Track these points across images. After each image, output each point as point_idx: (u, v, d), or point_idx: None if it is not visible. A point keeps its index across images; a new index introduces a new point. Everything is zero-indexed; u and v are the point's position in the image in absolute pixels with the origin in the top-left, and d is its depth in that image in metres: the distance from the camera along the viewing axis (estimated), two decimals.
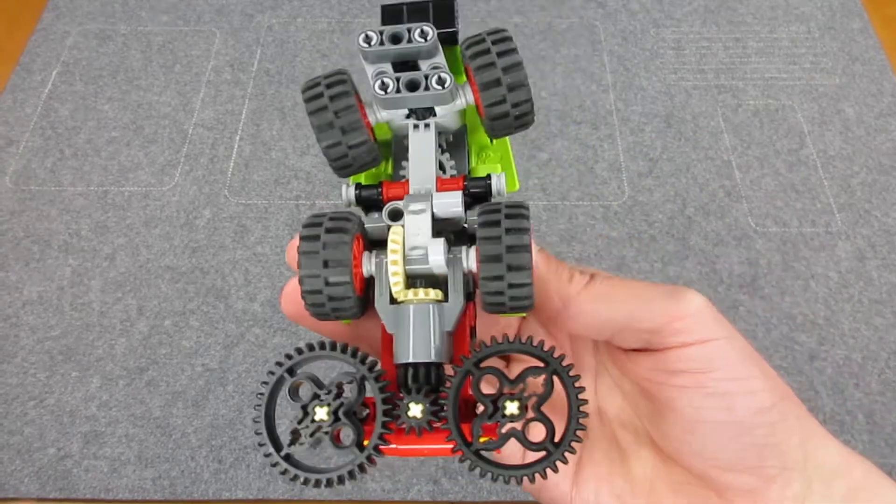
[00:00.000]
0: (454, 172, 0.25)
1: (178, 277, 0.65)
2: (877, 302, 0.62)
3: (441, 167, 0.25)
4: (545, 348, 0.20)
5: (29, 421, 0.57)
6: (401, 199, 0.23)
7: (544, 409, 0.20)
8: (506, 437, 0.20)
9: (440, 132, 0.25)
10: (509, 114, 0.23)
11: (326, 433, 0.20)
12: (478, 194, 0.23)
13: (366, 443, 0.20)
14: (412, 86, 0.23)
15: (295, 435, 0.20)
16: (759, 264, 0.64)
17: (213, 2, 0.86)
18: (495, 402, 0.20)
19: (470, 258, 0.22)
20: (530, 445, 0.20)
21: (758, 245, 0.66)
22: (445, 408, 0.20)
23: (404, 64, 0.24)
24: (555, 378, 0.20)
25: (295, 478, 0.20)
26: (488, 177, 0.24)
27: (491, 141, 0.27)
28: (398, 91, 0.23)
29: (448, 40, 0.25)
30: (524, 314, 0.23)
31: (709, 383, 0.23)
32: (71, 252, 0.66)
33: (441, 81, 0.23)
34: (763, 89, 0.77)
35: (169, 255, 0.66)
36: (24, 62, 0.80)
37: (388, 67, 0.24)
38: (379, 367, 0.21)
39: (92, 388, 0.59)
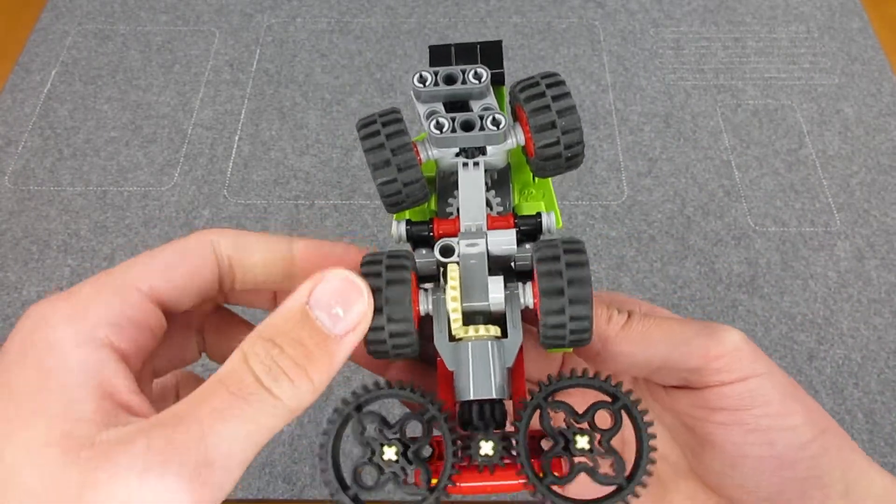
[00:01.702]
0: (500, 210, 0.26)
1: None
2: (876, 301, 0.62)
3: (488, 204, 0.26)
4: (613, 382, 0.20)
5: None
6: (451, 235, 0.24)
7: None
8: (577, 471, 0.20)
9: (486, 170, 0.26)
10: (562, 155, 0.24)
11: (395, 474, 0.20)
12: (528, 231, 0.24)
13: (434, 481, 0.20)
14: (467, 126, 0.24)
15: (357, 474, 0.20)
16: (758, 264, 0.65)
17: (212, 2, 0.86)
18: (564, 436, 0.20)
19: (527, 294, 0.22)
20: (602, 480, 0.20)
21: (757, 245, 0.66)
22: (515, 442, 0.20)
23: (454, 103, 0.25)
24: (622, 413, 0.20)
25: None
26: (538, 215, 0.24)
27: (533, 179, 0.27)
28: (454, 131, 0.24)
29: (495, 80, 0.26)
30: (570, 349, 0.24)
31: (749, 420, 0.23)
32: (70, 252, 0.66)
33: (496, 122, 0.24)
34: (762, 89, 0.77)
35: None
36: (22, 62, 0.80)
37: (439, 107, 0.25)
38: (446, 411, 0.21)
39: None
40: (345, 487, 0.20)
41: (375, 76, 0.79)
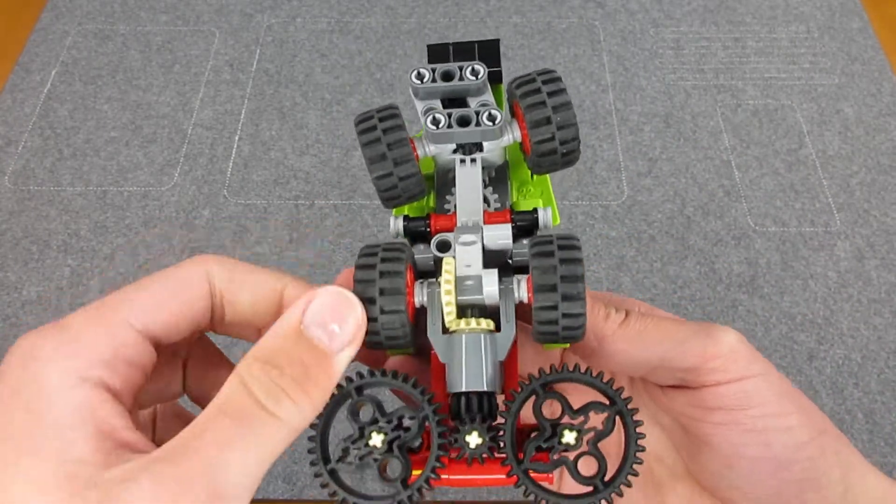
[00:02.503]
0: (498, 206, 0.26)
1: None
2: (876, 301, 0.62)
3: (485, 200, 0.26)
4: (615, 386, 0.20)
5: None
6: (448, 230, 0.24)
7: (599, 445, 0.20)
8: (556, 464, 0.20)
9: (484, 167, 0.26)
10: (557, 151, 0.24)
11: (376, 461, 0.20)
12: (524, 227, 0.24)
13: (416, 473, 0.20)
14: (463, 121, 0.24)
15: (345, 452, 0.20)
16: (758, 264, 0.64)
17: (212, 2, 0.86)
18: (554, 428, 0.20)
19: (521, 288, 0.22)
20: (580, 478, 0.20)
21: (757, 245, 0.66)
22: (502, 433, 0.20)
23: (452, 101, 0.25)
24: (616, 418, 0.20)
25: (334, 494, 0.20)
26: (534, 210, 0.24)
27: (532, 177, 0.27)
28: (450, 126, 0.24)
29: (493, 78, 0.26)
30: (567, 345, 0.24)
31: (745, 420, 0.23)
32: (70, 252, 0.66)
33: (492, 118, 0.24)
34: (762, 89, 0.77)
35: (168, 255, 0.66)
36: (22, 62, 0.80)
37: (437, 104, 0.25)
38: (436, 401, 0.21)
39: None
40: (326, 460, 0.20)
41: (375, 76, 0.79)
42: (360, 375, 0.21)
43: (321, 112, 0.76)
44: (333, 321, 0.19)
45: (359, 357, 0.25)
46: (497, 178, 0.27)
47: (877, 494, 0.23)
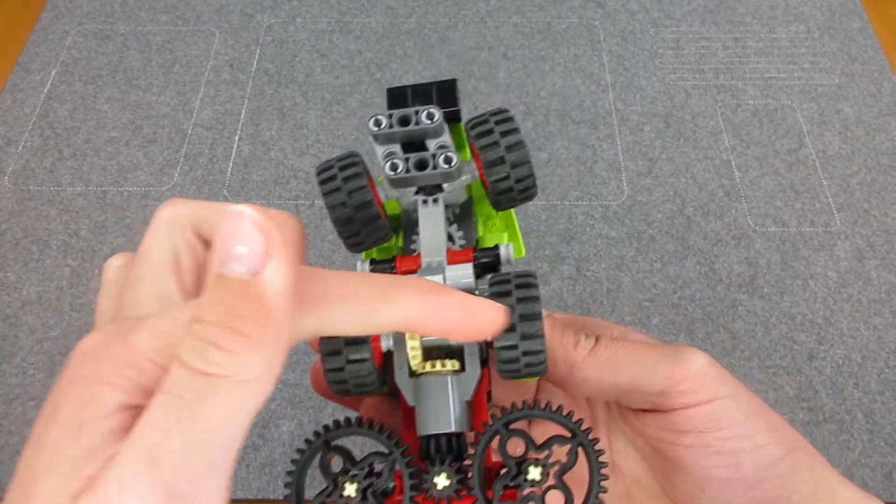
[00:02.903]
0: (463, 243, 0.26)
1: None
2: (876, 301, 0.62)
3: (450, 238, 0.26)
4: (574, 419, 0.21)
5: (29, 421, 0.57)
6: (413, 272, 0.24)
7: (565, 477, 0.21)
8: (525, 500, 0.20)
9: (447, 205, 0.26)
10: (513, 188, 0.24)
11: None
12: (487, 264, 0.25)
13: None
14: (421, 165, 0.25)
15: None
16: (758, 264, 0.65)
17: (212, 2, 0.86)
18: (519, 465, 0.21)
19: None
20: None
21: (757, 245, 0.66)
22: (470, 475, 0.21)
23: (412, 143, 0.26)
24: (579, 450, 0.21)
25: None
26: (496, 247, 0.25)
27: (496, 211, 0.28)
28: (408, 171, 0.24)
29: (452, 118, 0.27)
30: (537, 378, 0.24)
31: (714, 442, 0.23)
32: (70, 252, 0.66)
33: (448, 160, 0.24)
34: (762, 89, 0.77)
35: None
36: (22, 62, 0.80)
37: (397, 148, 0.25)
38: (405, 444, 0.21)
39: None
40: None
41: (375, 76, 0.79)
42: (327, 428, 0.21)
43: (321, 112, 0.76)
44: (243, 244, 0.15)
45: (336, 399, 0.25)
46: (462, 213, 0.27)
47: None
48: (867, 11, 0.84)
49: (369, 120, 0.25)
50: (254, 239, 0.15)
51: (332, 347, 0.22)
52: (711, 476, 0.23)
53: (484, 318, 0.19)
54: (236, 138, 0.74)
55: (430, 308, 0.18)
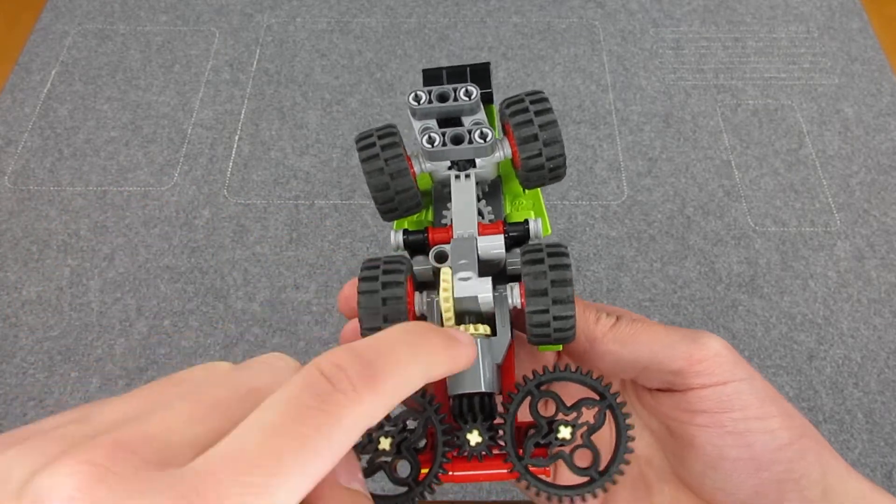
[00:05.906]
0: (492, 218, 0.28)
1: (177, 277, 0.65)
2: (875, 301, 0.62)
3: (480, 213, 0.27)
4: (603, 383, 0.22)
5: (28, 421, 0.57)
6: (445, 242, 0.25)
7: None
8: (554, 458, 0.21)
9: (478, 182, 0.27)
10: (544, 166, 0.25)
11: (386, 463, 0.21)
12: (517, 237, 0.26)
13: (424, 471, 0.21)
14: (457, 140, 0.26)
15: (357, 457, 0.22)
16: (758, 264, 0.64)
17: (212, 1, 0.86)
18: (550, 424, 0.22)
19: (514, 295, 0.24)
20: (577, 469, 0.21)
21: (757, 244, 0.66)
22: (501, 433, 0.22)
23: (447, 120, 0.27)
24: (607, 412, 0.22)
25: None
26: (526, 221, 0.26)
27: (524, 190, 0.29)
28: (444, 144, 0.26)
29: (484, 100, 0.28)
30: (559, 348, 0.26)
31: (727, 423, 0.24)
32: (70, 252, 0.66)
33: (483, 136, 0.25)
34: (762, 89, 0.77)
35: (168, 255, 0.66)
36: (22, 62, 0.80)
37: (433, 123, 0.27)
38: (438, 403, 0.22)
39: (91, 389, 0.59)
40: None
41: (375, 76, 0.79)
42: None
43: (321, 112, 0.76)
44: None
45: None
46: (491, 192, 0.29)
47: (856, 495, 0.24)
48: (867, 11, 0.84)
49: (408, 95, 0.26)
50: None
51: (370, 306, 0.22)
52: (723, 455, 0.24)
53: (465, 354, 0.20)
54: (236, 138, 0.74)
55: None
